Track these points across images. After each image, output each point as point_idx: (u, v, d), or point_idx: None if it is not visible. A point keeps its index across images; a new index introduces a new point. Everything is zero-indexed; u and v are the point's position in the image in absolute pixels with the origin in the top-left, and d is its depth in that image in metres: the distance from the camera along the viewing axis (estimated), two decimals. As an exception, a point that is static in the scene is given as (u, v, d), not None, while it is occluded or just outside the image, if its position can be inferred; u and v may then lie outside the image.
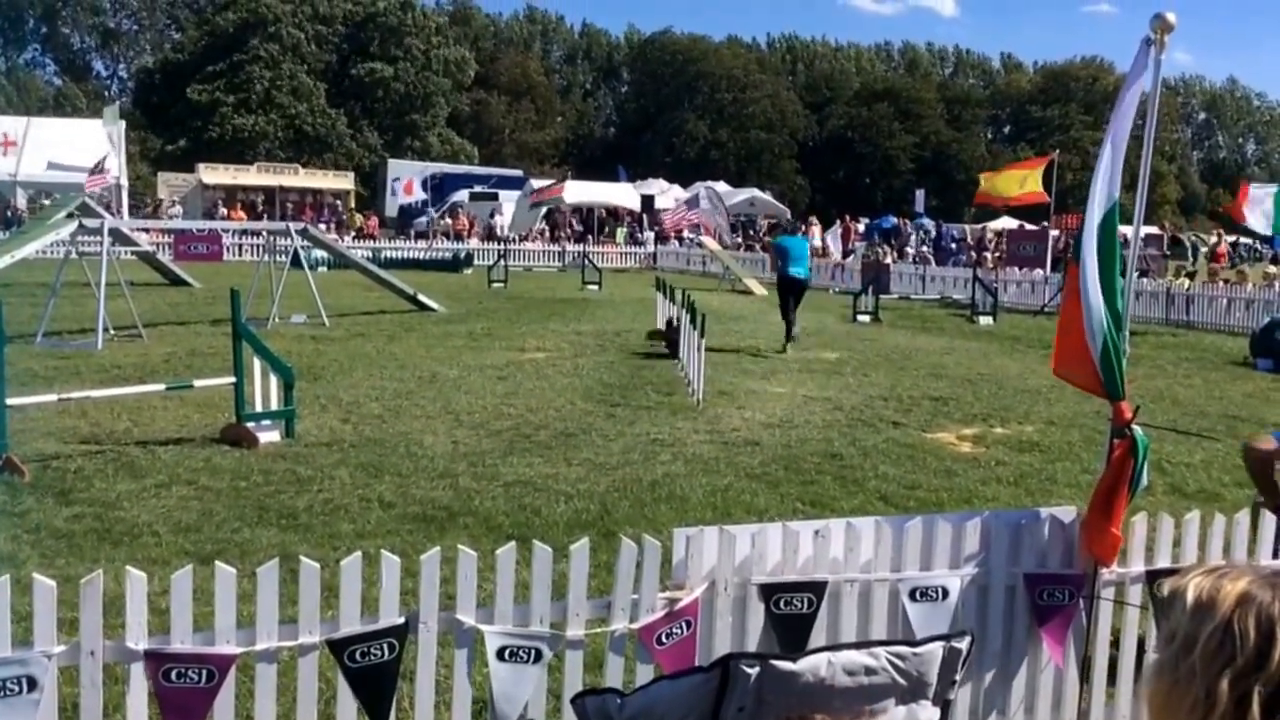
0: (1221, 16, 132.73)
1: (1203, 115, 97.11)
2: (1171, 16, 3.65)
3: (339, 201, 46.66)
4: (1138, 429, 3.73)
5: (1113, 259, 3.73)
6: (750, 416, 10.23)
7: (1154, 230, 47.52)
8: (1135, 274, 24.23)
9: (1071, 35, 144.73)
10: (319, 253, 23.85)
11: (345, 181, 49.00)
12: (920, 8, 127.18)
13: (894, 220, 48.66)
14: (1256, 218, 18.65)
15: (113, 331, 14.54)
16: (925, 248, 39.08)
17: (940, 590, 3.72)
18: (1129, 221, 4.14)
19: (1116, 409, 3.76)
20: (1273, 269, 30.58)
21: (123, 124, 34.57)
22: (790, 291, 16.10)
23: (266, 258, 18.72)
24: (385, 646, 3.10)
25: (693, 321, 11.21)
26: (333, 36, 64.45)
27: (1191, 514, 4.05)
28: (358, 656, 3.07)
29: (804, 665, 2.36)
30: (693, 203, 37.60)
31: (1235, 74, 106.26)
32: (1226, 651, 1.56)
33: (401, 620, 3.15)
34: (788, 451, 8.79)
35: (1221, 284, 23.71)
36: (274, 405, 8.74)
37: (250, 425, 8.51)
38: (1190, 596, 1.62)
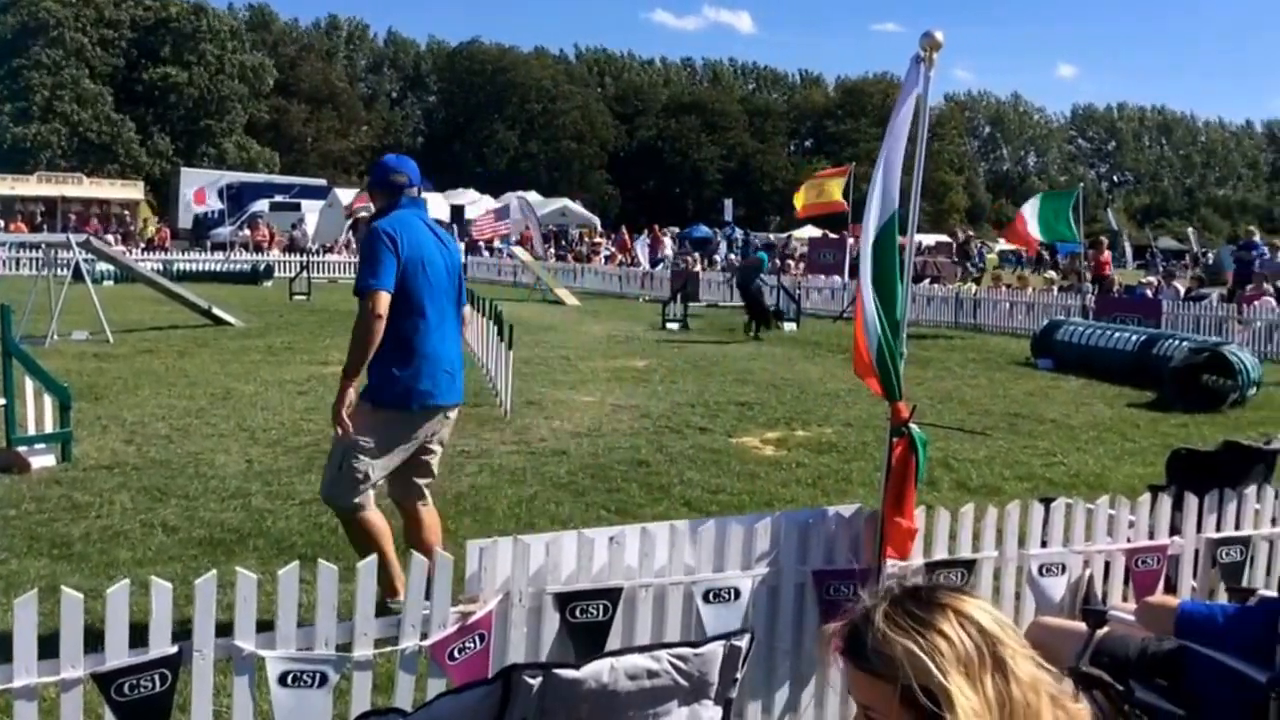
0: (1003, 37, 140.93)
1: (988, 129, 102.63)
2: (939, 35, 3.82)
3: (127, 212, 44.61)
4: (914, 427, 3.88)
5: (892, 266, 3.87)
6: (558, 426, 10.22)
7: (945, 238, 49.80)
8: (928, 280, 25.48)
9: (863, 52, 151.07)
10: (105, 266, 22.73)
11: (134, 191, 46.98)
12: (720, 23, 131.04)
13: (705, 230, 49.69)
14: (1030, 230, 19.82)
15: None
16: (733, 255, 39.99)
17: (732, 591, 3.79)
18: (905, 231, 4.30)
19: (894, 409, 3.90)
20: (1052, 274, 32.48)
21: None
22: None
23: (45, 271, 17.70)
24: (157, 678, 2.95)
25: (500, 333, 11.14)
26: (120, 41, 61.75)
27: (966, 506, 4.23)
28: (126, 690, 2.91)
29: (587, 672, 2.36)
30: (502, 213, 37.47)
31: (1019, 90, 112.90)
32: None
33: (174, 649, 3.00)
34: (595, 460, 8.81)
35: (1005, 289, 25.04)
36: (49, 427, 8.21)
37: (22, 449, 7.97)
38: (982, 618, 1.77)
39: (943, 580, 3.96)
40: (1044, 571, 4.22)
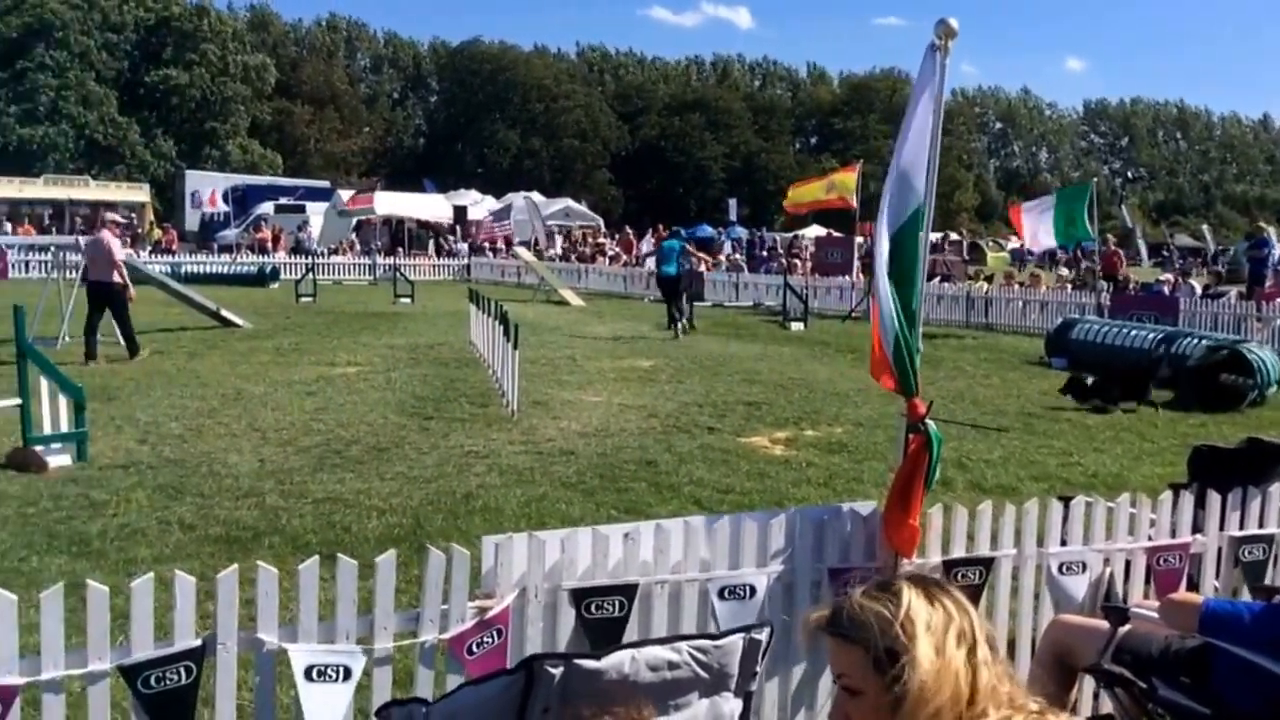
0: (1008, 31, 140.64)
1: (998, 125, 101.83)
2: (954, 22, 3.77)
3: (134, 214, 44.70)
4: (931, 424, 3.86)
5: (914, 261, 3.82)
6: (565, 426, 10.23)
7: (954, 236, 49.75)
8: (938, 279, 25.37)
9: (865, 47, 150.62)
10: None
11: (140, 193, 46.99)
12: (719, 19, 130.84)
13: (709, 229, 49.59)
14: (1040, 234, 19.68)
15: (-115, 354, 13.55)
16: (738, 255, 39.98)
17: (748, 588, 3.78)
18: (920, 226, 4.26)
19: (910, 405, 3.88)
20: (1065, 272, 32.36)
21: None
22: (662, 288, 19.94)
23: (55, 274, 17.75)
24: (182, 670, 2.96)
25: (506, 333, 11.15)
26: (124, 43, 61.85)
27: (984, 505, 4.21)
28: (152, 682, 2.92)
29: (608, 663, 2.37)
30: (502, 214, 37.47)
31: (1028, 85, 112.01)
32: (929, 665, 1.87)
33: (198, 643, 3.02)
34: (603, 460, 8.81)
35: (1017, 287, 24.93)
36: (64, 427, 8.30)
37: (38, 449, 8.06)
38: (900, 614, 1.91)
39: (960, 578, 3.97)
40: (1064, 570, 4.19)
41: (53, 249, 19.94)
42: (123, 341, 14.91)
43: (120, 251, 15.33)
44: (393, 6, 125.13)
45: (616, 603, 3.54)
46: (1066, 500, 4.31)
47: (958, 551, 4.10)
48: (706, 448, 9.39)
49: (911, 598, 1.90)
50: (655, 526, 3.72)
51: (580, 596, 3.51)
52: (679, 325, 19.15)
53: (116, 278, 14.68)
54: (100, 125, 58.95)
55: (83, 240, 18.26)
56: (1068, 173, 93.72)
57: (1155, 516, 4.38)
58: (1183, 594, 3.97)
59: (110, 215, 18.23)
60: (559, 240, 39.60)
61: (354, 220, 38.95)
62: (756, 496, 7.78)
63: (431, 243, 42.01)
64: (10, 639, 2.84)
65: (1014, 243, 40.81)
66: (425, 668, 3.36)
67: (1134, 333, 15.25)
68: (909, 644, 1.85)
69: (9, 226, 38.13)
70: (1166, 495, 4.44)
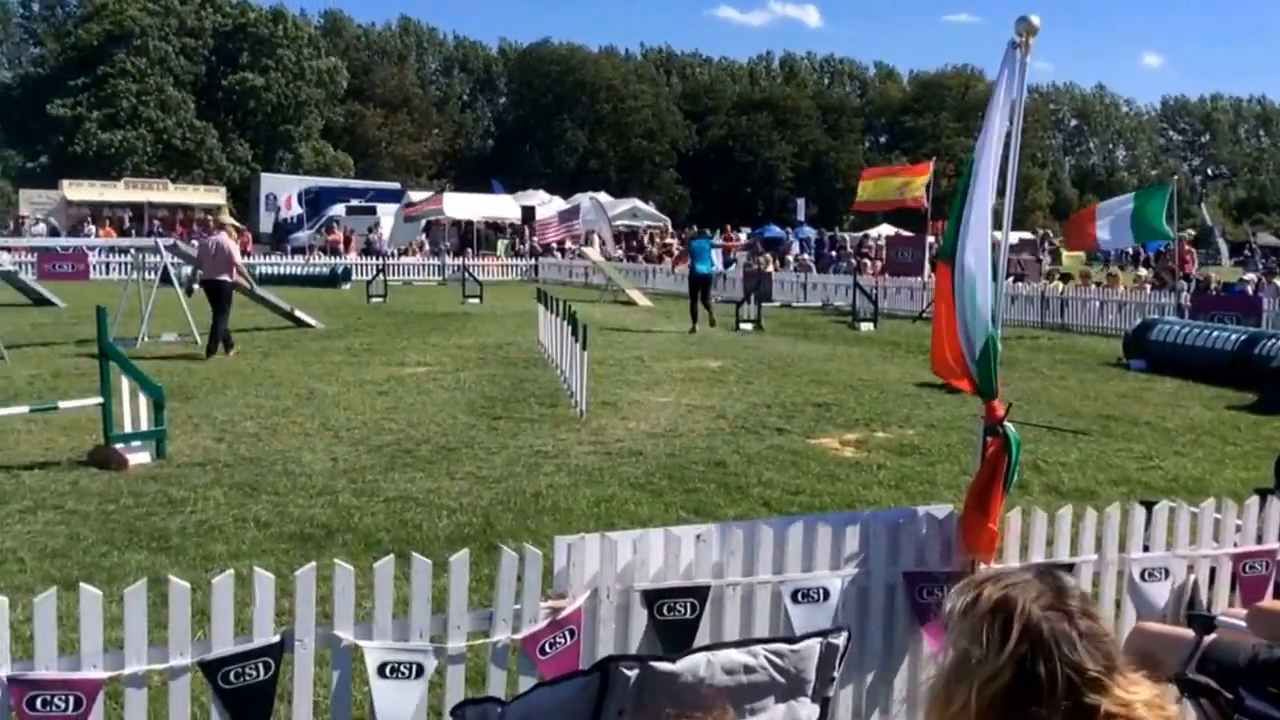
0: (1082, 26, 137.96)
1: (1074, 122, 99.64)
2: (1035, 19, 3.72)
3: (210, 217, 45.57)
4: (1010, 426, 3.80)
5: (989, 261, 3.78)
6: (634, 427, 10.23)
7: (1028, 235, 49.08)
8: (1011, 278, 24.99)
9: (935, 44, 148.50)
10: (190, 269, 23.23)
11: (216, 196, 47.87)
12: (787, 18, 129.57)
13: (777, 229, 49.35)
14: (1114, 234, 19.22)
15: (-27, 354, 13.95)
16: (806, 255, 39.72)
17: (821, 591, 3.74)
18: (998, 226, 4.20)
19: (989, 407, 3.83)
20: (1143, 272, 31.71)
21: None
22: (695, 284, 20.31)
23: (135, 275, 18.15)
24: (260, 666, 3.00)
25: (574, 333, 11.18)
26: (201, 49, 62.98)
27: (1064, 509, 4.13)
28: (232, 678, 2.97)
29: (683, 666, 2.36)
30: (568, 214, 37.56)
31: (1103, 81, 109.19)
32: (972, 662, 1.71)
33: (276, 639, 3.05)
34: (672, 460, 8.80)
35: (1094, 287, 24.44)
36: (144, 426, 8.48)
37: (119, 446, 8.24)
38: (958, 608, 1.78)
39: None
40: (1146, 576, 4.10)
41: (133, 250, 20.35)
42: (200, 335, 15.33)
43: (239, 254, 16.16)
44: (462, 8, 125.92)
45: (688, 604, 3.52)
46: (1149, 505, 4.22)
47: (1037, 556, 4.02)
48: (776, 449, 9.33)
49: (982, 618, 1.85)
50: (727, 528, 3.70)
51: (652, 598, 3.50)
52: (704, 323, 20.04)
53: (227, 276, 15.48)
54: (178, 129, 60.06)
55: (162, 242, 18.63)
56: (1145, 170, 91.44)
57: (1241, 522, 4.26)
58: (1270, 602, 3.86)
59: (228, 219, 18.99)
60: (597, 241, 39.48)
61: (423, 221, 39.34)
62: (827, 498, 7.72)
63: (505, 243, 42.29)
64: (96, 633, 2.89)
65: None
66: (497, 667, 3.36)
67: (1215, 334, 14.88)
68: (944, 660, 1.90)
69: (92, 229, 39.05)
70: (1253, 500, 4.32)
